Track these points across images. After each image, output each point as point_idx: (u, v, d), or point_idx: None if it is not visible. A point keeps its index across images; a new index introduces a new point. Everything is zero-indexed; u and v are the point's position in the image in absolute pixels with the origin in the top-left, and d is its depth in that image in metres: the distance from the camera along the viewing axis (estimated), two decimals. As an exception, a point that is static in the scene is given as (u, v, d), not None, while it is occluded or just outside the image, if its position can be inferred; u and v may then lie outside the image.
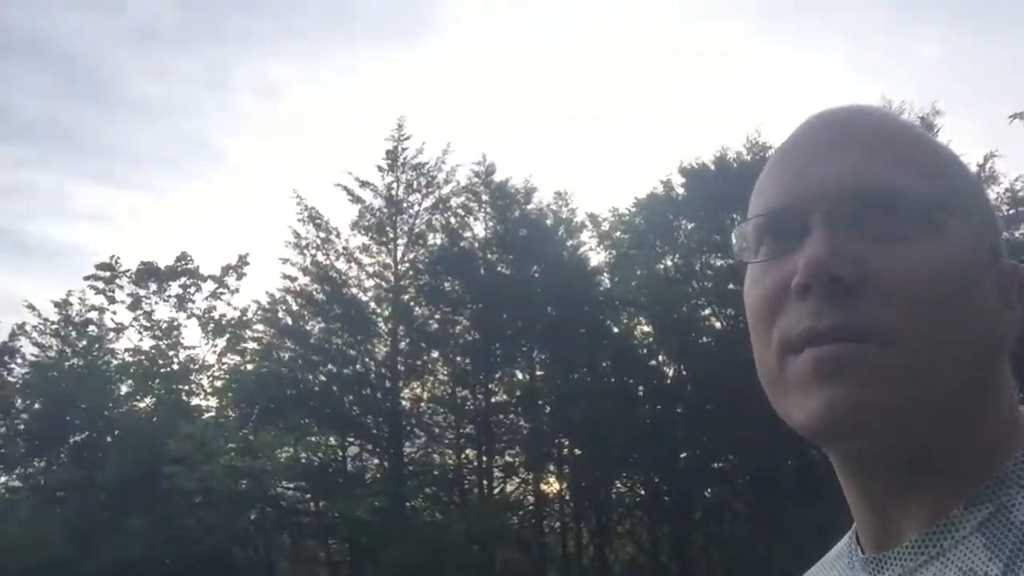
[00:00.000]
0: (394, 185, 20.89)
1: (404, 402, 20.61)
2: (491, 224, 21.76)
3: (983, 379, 0.65)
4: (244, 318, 22.84)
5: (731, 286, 20.48)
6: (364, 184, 20.75)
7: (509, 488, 20.66)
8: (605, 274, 22.19)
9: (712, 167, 20.96)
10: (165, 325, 23.16)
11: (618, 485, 20.75)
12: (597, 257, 22.67)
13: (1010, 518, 0.61)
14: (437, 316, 21.22)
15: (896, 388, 0.61)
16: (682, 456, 19.99)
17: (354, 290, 20.99)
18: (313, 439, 19.45)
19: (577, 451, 20.49)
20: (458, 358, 21.05)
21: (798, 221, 0.64)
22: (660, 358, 21.60)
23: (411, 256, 21.02)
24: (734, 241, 0.70)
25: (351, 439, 20.22)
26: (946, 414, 0.63)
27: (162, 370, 22.80)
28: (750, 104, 40.17)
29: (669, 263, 21.41)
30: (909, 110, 18.72)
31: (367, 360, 20.73)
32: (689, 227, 21.29)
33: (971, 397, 0.64)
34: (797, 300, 0.63)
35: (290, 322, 20.97)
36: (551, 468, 20.71)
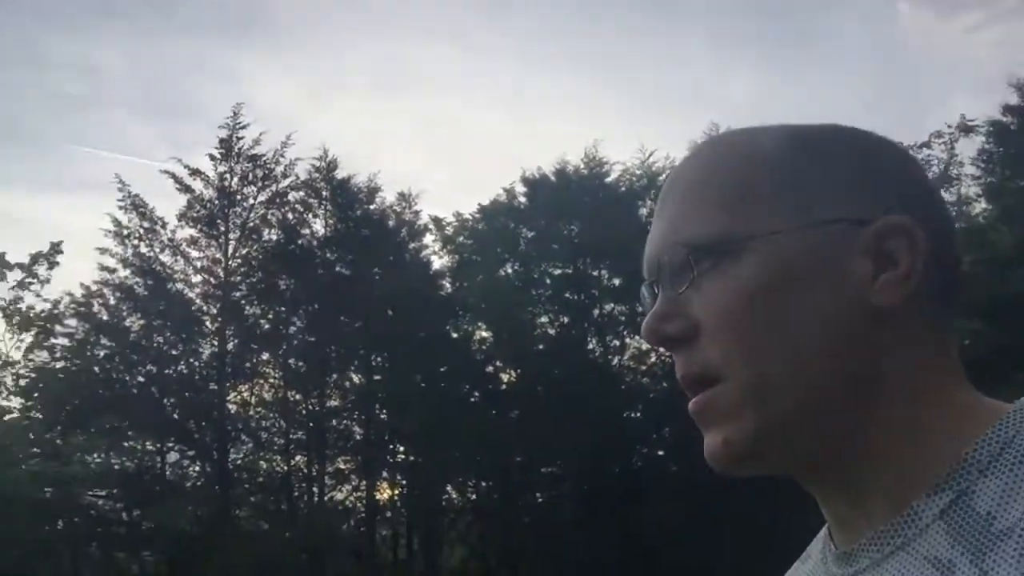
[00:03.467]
0: (227, 176, 19.98)
1: (231, 406, 19.69)
2: (331, 222, 21.23)
3: (865, 363, 0.65)
4: (55, 311, 21.06)
5: (567, 295, 21.00)
6: (194, 173, 19.72)
7: (340, 496, 20.17)
8: (447, 279, 22.17)
9: (552, 178, 21.44)
10: (-38, 317, 21.01)
11: (450, 491, 20.73)
12: (440, 261, 22.64)
13: (971, 505, 0.61)
14: (270, 316, 20.44)
15: (748, 415, 0.65)
16: (517, 460, 20.24)
17: (180, 285, 19.90)
18: (128, 444, 18.21)
19: (412, 458, 20.31)
20: (291, 360, 20.37)
21: (654, 287, 0.72)
22: (496, 363, 21.80)
23: (243, 252, 20.15)
24: (641, 304, 0.78)
25: (171, 444, 19.09)
26: (823, 413, 0.64)
27: (-44, 367, 20.64)
28: (591, 116, 41.42)
29: (510, 270, 21.66)
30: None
31: (191, 361, 19.66)
32: (530, 235, 21.65)
33: (851, 386, 0.64)
34: None
35: (106, 317, 19.57)
36: (384, 475, 20.40)
